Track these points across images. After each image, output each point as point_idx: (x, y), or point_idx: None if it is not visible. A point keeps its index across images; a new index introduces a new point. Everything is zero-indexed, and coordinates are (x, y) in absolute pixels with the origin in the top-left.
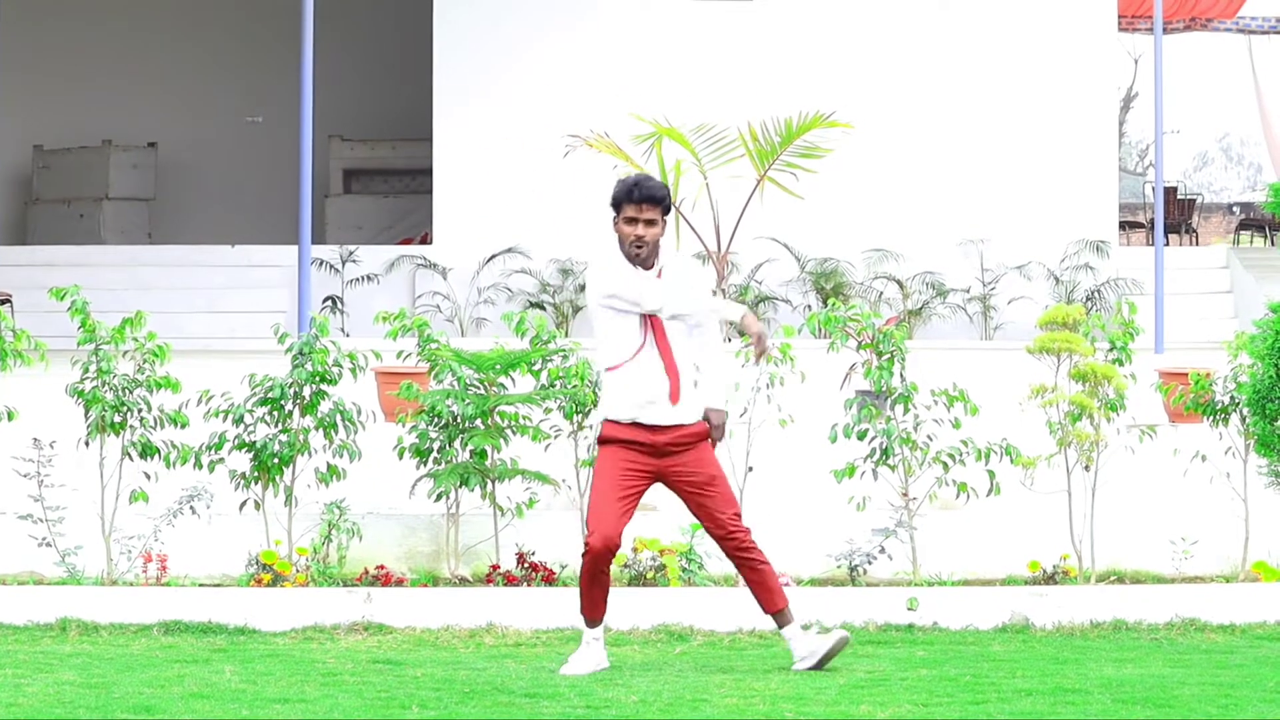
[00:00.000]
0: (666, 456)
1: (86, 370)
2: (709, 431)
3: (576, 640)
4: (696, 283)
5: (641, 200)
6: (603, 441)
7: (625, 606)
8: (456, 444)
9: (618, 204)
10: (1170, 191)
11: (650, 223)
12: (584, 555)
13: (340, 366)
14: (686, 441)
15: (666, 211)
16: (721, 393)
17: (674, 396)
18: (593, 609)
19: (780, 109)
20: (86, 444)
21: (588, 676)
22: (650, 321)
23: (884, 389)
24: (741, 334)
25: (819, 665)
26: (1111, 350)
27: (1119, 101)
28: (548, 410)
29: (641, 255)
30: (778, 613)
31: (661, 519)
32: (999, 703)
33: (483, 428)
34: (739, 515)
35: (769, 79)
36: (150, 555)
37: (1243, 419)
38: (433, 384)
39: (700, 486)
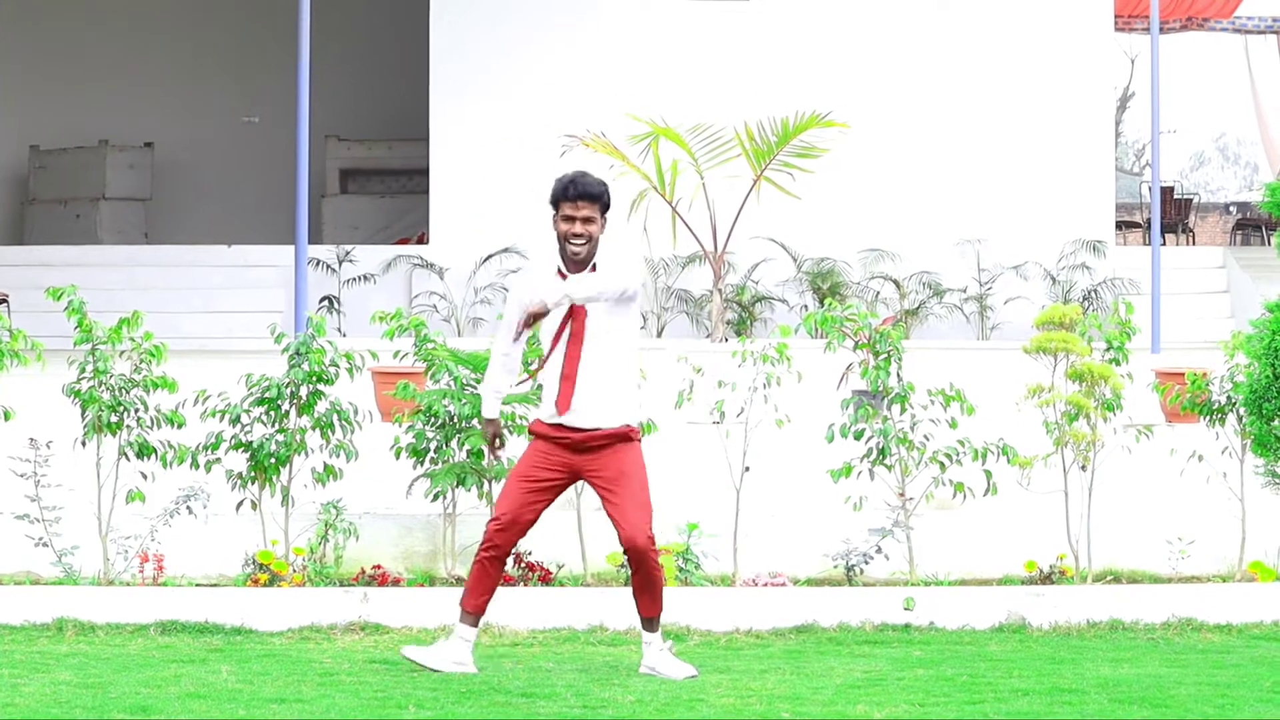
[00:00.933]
0: (583, 453)
1: (83, 370)
2: (631, 433)
3: (574, 640)
4: (615, 272)
5: (578, 198)
6: (531, 433)
7: (622, 606)
8: (453, 444)
9: (555, 202)
10: (1167, 191)
11: (588, 220)
12: (485, 537)
13: (337, 366)
14: (603, 441)
15: (605, 209)
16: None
17: (564, 404)
18: (478, 603)
19: (777, 109)
20: (83, 444)
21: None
22: (570, 326)
23: (881, 389)
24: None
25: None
26: (1108, 350)
27: (1115, 101)
28: None
29: (580, 255)
30: (651, 618)
31: (657, 519)
32: (996, 703)
33: (479, 427)
34: (648, 523)
35: (765, 79)
36: (147, 555)
37: (1239, 419)
38: (429, 384)
39: (608, 483)
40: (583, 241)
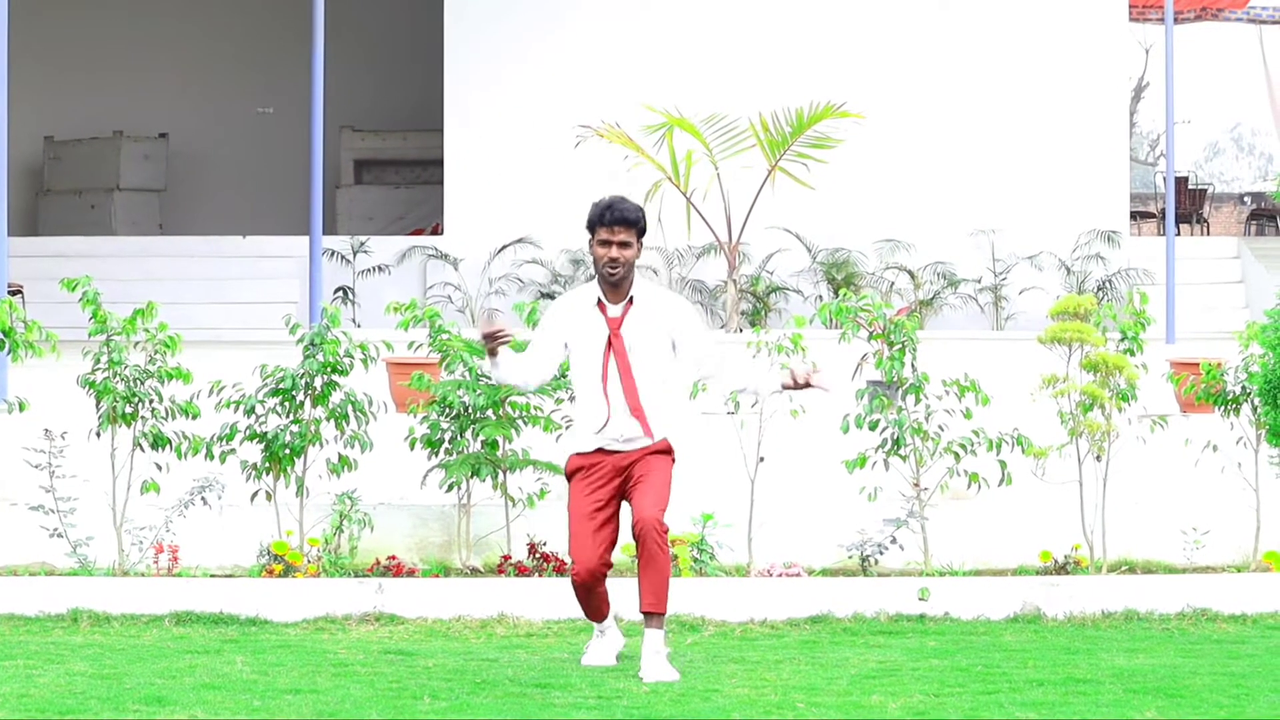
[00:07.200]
0: (629, 465)
1: (98, 361)
2: (670, 448)
3: (588, 631)
4: (690, 321)
5: (614, 223)
6: (570, 475)
7: (637, 597)
8: (468, 434)
9: (592, 227)
10: (1181, 181)
11: (624, 245)
12: (572, 582)
13: (351, 357)
14: (645, 453)
15: (641, 234)
16: (754, 378)
17: (636, 421)
18: (596, 614)
19: (791, 99)
20: (98, 435)
21: (602, 666)
22: (611, 349)
23: (895, 379)
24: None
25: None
26: (1123, 340)
27: (1130, 92)
28: (559, 401)
29: (615, 278)
30: (654, 614)
31: (672, 509)
32: (1010, 693)
33: (494, 418)
34: (661, 509)
35: (780, 69)
36: (161, 546)
37: (1254, 409)
38: (444, 374)
39: (637, 478)
40: (618, 266)
